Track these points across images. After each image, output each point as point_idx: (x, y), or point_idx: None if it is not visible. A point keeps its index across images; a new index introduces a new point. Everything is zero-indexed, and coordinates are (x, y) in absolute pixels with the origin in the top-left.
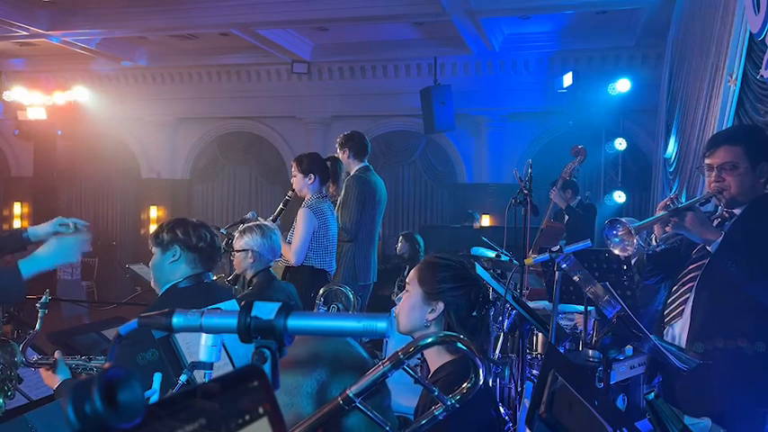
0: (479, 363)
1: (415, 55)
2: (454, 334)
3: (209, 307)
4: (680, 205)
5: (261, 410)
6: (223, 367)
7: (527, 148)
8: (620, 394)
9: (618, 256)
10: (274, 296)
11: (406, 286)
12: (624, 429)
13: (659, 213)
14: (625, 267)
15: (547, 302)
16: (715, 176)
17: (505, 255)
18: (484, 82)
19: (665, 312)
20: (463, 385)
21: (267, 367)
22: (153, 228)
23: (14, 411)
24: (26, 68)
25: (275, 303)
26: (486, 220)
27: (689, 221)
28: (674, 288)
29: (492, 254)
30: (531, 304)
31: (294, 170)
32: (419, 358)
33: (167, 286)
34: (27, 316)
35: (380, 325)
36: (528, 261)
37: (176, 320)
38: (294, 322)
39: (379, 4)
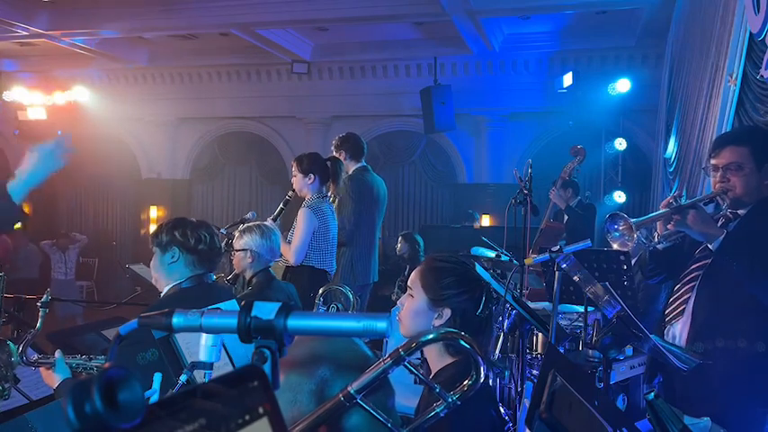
0: (480, 360)
1: (415, 55)
2: (455, 331)
3: (210, 307)
4: (683, 204)
5: (261, 410)
6: (223, 367)
7: (527, 148)
8: (620, 394)
9: (618, 255)
10: (274, 296)
11: (408, 290)
12: (624, 429)
13: (661, 210)
14: (625, 267)
15: (547, 303)
16: (720, 177)
17: (505, 255)
18: (484, 82)
19: (666, 311)
20: (464, 382)
21: (267, 367)
22: (153, 228)
23: (14, 411)
24: (26, 68)
25: (275, 303)
26: (486, 220)
27: (691, 219)
28: (676, 287)
29: (492, 254)
30: (531, 305)
31: (294, 170)
32: (420, 359)
33: (169, 287)
34: (27, 316)
35: (380, 325)
36: (528, 261)
37: (176, 320)
38: (294, 322)
39: (379, 4)
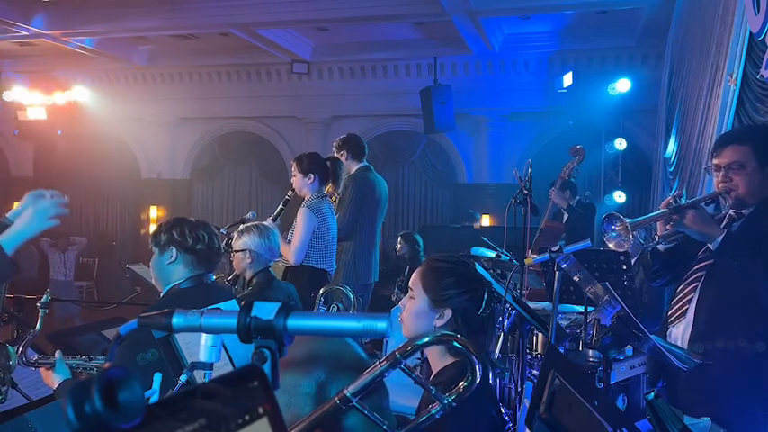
0: (476, 361)
1: (415, 55)
2: (451, 333)
3: (210, 307)
4: (682, 203)
5: (261, 410)
6: (223, 367)
7: (527, 148)
8: (620, 394)
9: (618, 255)
10: (274, 296)
11: (409, 291)
12: (624, 429)
13: (659, 210)
14: (625, 267)
15: (547, 303)
16: (722, 176)
17: (505, 255)
18: (484, 82)
19: (669, 313)
20: (460, 384)
21: (267, 367)
22: (153, 228)
23: (14, 411)
24: (26, 68)
25: (275, 303)
26: (486, 220)
27: (690, 219)
28: (679, 288)
29: (492, 254)
30: (531, 305)
31: (294, 170)
32: (419, 359)
33: (168, 287)
34: (27, 316)
35: (380, 325)
36: (528, 261)
37: (176, 320)
38: (294, 322)
39: (379, 4)
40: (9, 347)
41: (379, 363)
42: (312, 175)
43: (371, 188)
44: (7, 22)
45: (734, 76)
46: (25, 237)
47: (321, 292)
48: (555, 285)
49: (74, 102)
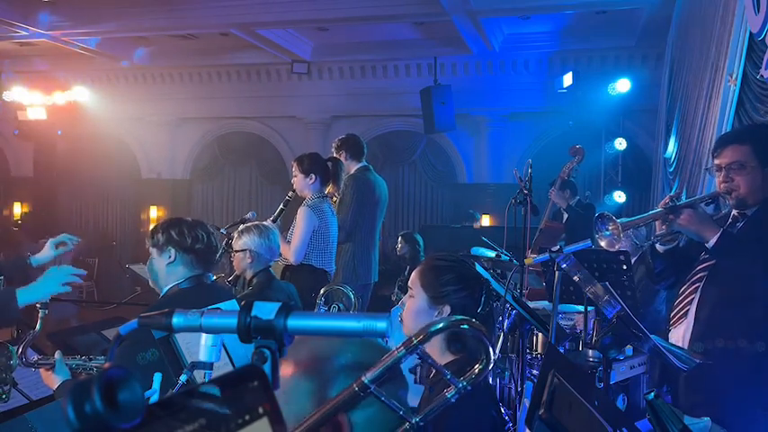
0: (489, 344)
1: (415, 55)
2: (464, 317)
3: (210, 307)
4: (679, 203)
5: (261, 410)
6: (223, 367)
7: (527, 148)
8: (620, 394)
9: (618, 255)
10: (274, 296)
11: (409, 290)
12: (624, 429)
13: (655, 210)
14: (625, 267)
15: (547, 302)
16: (723, 176)
17: (505, 255)
18: (484, 82)
19: (671, 314)
20: (475, 367)
21: (267, 367)
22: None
23: (14, 411)
24: (26, 68)
25: (275, 303)
26: (486, 220)
27: (685, 218)
28: (681, 289)
29: (492, 254)
30: (531, 304)
31: (295, 170)
32: (419, 357)
33: (168, 287)
34: (26, 316)
35: (380, 325)
36: (528, 261)
37: (176, 320)
38: (294, 322)
39: (379, 4)
40: (10, 347)
41: (397, 349)
42: (313, 176)
43: (371, 188)
44: (7, 22)
45: (734, 76)
46: (38, 298)
47: (322, 292)
48: (555, 285)
49: (74, 102)
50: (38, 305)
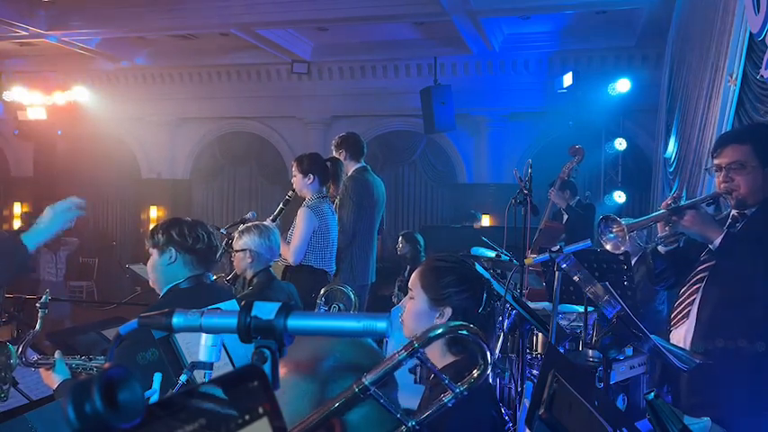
0: (487, 349)
1: (415, 55)
2: (463, 323)
3: (210, 307)
4: (682, 204)
5: (261, 410)
6: (223, 367)
7: (527, 148)
8: (620, 394)
9: (618, 255)
10: (274, 296)
11: (409, 292)
12: (624, 429)
13: (658, 211)
14: (625, 267)
15: (547, 303)
16: (723, 176)
17: (505, 255)
18: (484, 82)
19: (672, 315)
20: (473, 372)
21: (267, 367)
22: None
23: (14, 411)
24: (26, 68)
25: (275, 303)
26: (486, 220)
27: (688, 220)
28: (682, 290)
29: (492, 254)
30: (531, 305)
31: (294, 170)
32: (420, 360)
33: (168, 287)
34: (27, 316)
35: (380, 325)
36: (528, 261)
37: (176, 320)
38: (294, 322)
39: (379, 4)
40: (10, 347)
41: (398, 352)
42: (312, 176)
43: (369, 190)
44: (7, 22)
45: (734, 76)
46: (46, 237)
47: (322, 292)
48: (555, 285)
49: (74, 102)
50: (37, 305)
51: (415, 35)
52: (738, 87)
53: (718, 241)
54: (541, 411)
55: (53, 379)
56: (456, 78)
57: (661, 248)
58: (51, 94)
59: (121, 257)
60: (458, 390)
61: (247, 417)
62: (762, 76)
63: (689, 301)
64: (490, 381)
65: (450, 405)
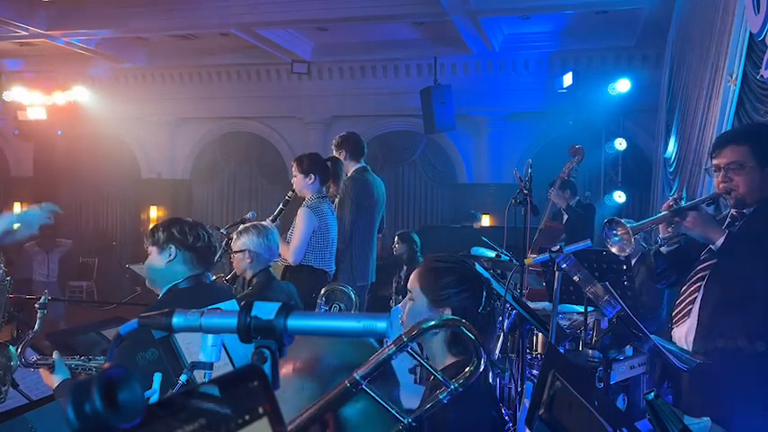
0: (480, 345)
1: (415, 55)
2: (456, 318)
3: (210, 307)
4: (683, 205)
5: (261, 410)
6: (223, 367)
7: (527, 148)
8: (620, 394)
9: (618, 256)
10: (274, 296)
11: (409, 293)
12: (624, 429)
13: (660, 213)
14: (625, 267)
15: (547, 303)
16: (722, 177)
17: (505, 255)
18: (484, 82)
19: (673, 314)
20: (466, 369)
21: (267, 367)
22: None
23: (14, 411)
24: (26, 68)
25: (275, 303)
26: (486, 220)
27: (690, 221)
28: (683, 289)
29: (492, 254)
30: (531, 305)
31: (294, 170)
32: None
33: (167, 287)
34: (26, 316)
35: (380, 325)
36: (528, 261)
37: (176, 320)
38: (294, 322)
39: (379, 4)
40: (10, 348)
41: (387, 346)
42: (312, 176)
43: (369, 190)
44: (7, 22)
45: (734, 76)
46: (4, 226)
47: (323, 292)
48: (555, 285)
49: (74, 102)
50: (36, 306)
51: (415, 35)
52: (738, 87)
53: (719, 241)
54: (541, 411)
55: (53, 379)
56: (456, 78)
57: (663, 249)
58: (51, 94)
59: (121, 257)
60: (452, 386)
61: (247, 417)
62: (762, 76)
63: (690, 299)
64: (490, 381)
65: (445, 401)
